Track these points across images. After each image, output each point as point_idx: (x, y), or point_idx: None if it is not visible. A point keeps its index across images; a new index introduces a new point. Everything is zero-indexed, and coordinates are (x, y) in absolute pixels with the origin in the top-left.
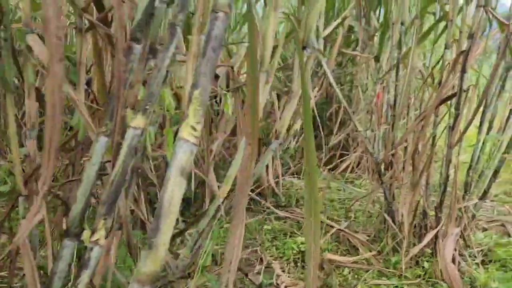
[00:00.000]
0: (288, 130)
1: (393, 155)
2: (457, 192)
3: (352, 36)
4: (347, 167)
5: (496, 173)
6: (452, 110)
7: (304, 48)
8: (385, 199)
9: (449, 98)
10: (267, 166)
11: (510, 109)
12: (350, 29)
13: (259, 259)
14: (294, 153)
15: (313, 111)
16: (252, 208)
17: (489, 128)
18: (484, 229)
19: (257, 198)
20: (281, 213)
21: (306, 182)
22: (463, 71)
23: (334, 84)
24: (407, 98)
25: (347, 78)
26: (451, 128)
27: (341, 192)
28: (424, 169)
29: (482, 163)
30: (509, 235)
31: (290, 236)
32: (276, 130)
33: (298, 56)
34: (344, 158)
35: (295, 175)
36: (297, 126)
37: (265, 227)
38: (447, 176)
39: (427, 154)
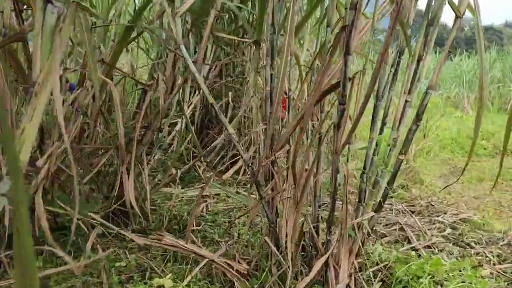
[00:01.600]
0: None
1: (273, 162)
2: (348, 208)
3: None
4: (239, 168)
5: (393, 177)
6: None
7: (48, 1)
8: (266, 217)
9: (332, 89)
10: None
11: (406, 100)
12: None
13: None
14: (181, 155)
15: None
16: (105, 234)
17: (383, 124)
18: (383, 235)
19: (110, 223)
20: (141, 241)
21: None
22: (347, 52)
23: (197, 76)
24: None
25: (238, 69)
26: (337, 127)
27: (229, 200)
28: (308, 179)
29: (376, 166)
30: (409, 241)
31: (150, 274)
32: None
33: None
34: (236, 158)
35: (179, 182)
36: (179, 125)
37: (118, 264)
38: (335, 188)
39: (311, 160)
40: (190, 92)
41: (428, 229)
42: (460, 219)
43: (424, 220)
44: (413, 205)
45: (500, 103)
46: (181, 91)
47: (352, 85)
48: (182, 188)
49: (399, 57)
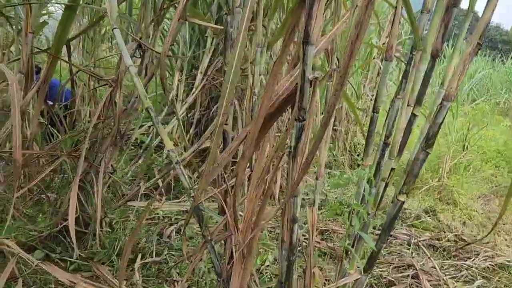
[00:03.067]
0: None
1: (226, 191)
2: (314, 272)
3: None
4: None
5: (389, 227)
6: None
7: None
8: (215, 271)
9: (287, 101)
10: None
11: (413, 114)
12: None
13: None
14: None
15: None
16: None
17: (385, 146)
18: (390, 283)
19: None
20: (64, 278)
21: None
22: (306, 40)
23: (132, 70)
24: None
25: (246, 64)
26: (292, 154)
27: (217, 219)
28: (256, 224)
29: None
30: None
31: None
32: None
33: None
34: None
35: (159, 193)
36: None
37: None
38: (291, 245)
39: (260, 192)
40: (186, 90)
41: (452, 278)
42: (496, 264)
43: (448, 263)
44: (438, 239)
45: None
46: (176, 88)
47: (314, 92)
48: (168, 201)
49: (411, 53)
